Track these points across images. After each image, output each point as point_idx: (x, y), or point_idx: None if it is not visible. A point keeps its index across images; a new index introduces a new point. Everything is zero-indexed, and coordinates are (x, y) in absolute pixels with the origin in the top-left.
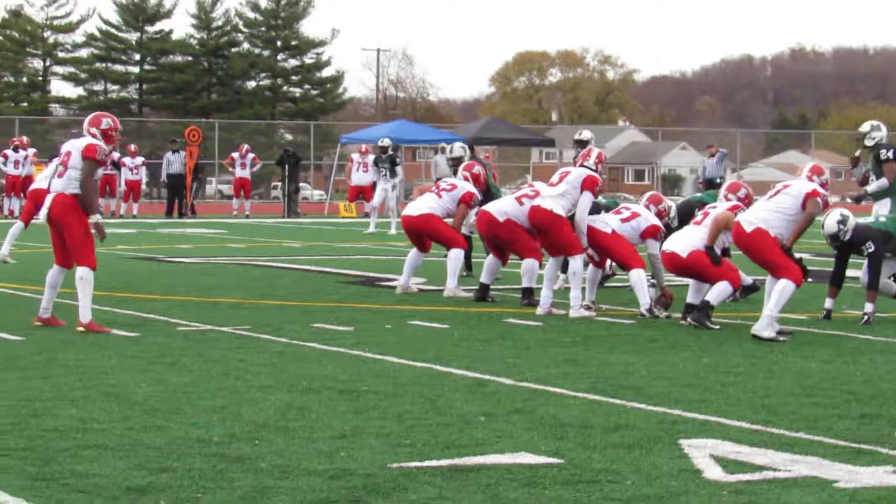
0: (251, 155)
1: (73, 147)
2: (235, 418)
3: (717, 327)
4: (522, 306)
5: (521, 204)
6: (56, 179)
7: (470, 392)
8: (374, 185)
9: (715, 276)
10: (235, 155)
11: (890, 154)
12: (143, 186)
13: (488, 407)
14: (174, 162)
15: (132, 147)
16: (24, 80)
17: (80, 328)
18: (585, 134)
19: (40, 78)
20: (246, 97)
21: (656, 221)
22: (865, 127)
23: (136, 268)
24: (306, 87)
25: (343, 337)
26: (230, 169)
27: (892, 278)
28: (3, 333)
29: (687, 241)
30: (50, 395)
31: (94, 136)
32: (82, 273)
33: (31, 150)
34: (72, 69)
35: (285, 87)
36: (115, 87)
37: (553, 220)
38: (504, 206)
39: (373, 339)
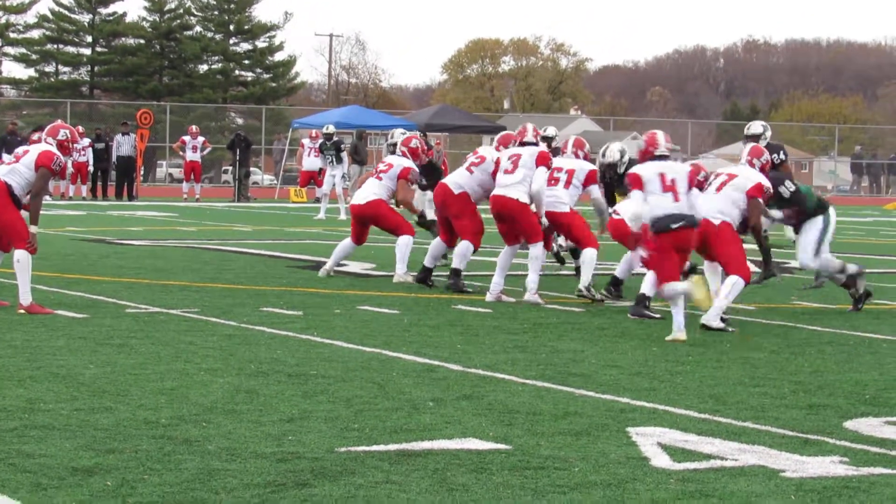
0: (202, 138)
1: (32, 148)
2: (183, 400)
3: (658, 316)
4: (448, 287)
5: (471, 173)
6: (5, 166)
7: (419, 377)
8: (323, 171)
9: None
10: (186, 138)
11: (783, 156)
12: (90, 168)
13: (437, 392)
14: (123, 144)
15: (79, 129)
16: None
17: (21, 311)
18: (550, 130)
19: None
20: (197, 81)
21: (592, 166)
22: (758, 128)
23: (86, 249)
24: (258, 71)
25: (292, 321)
26: (180, 153)
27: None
28: None
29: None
30: None
31: (49, 145)
32: (19, 256)
33: None
34: (23, 50)
35: (237, 71)
36: (66, 69)
37: (519, 208)
38: (458, 178)
39: (322, 323)
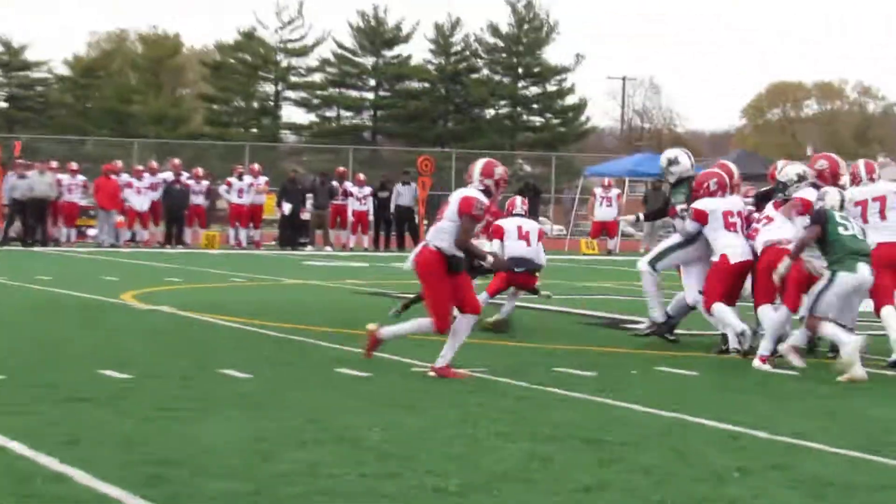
0: None
1: (453, 197)
2: (474, 467)
3: None
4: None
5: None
6: (431, 228)
7: (722, 445)
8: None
9: None
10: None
11: None
12: (370, 217)
13: (742, 462)
14: (404, 194)
15: (360, 176)
16: (255, 104)
17: (432, 373)
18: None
19: (271, 103)
20: (484, 125)
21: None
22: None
23: (368, 303)
24: (547, 115)
25: (586, 382)
26: None
27: None
28: (231, 370)
29: None
30: (278, 436)
31: (486, 186)
32: (462, 319)
33: (263, 179)
34: (304, 94)
35: (525, 116)
36: (348, 114)
37: None
38: None
39: (617, 384)
